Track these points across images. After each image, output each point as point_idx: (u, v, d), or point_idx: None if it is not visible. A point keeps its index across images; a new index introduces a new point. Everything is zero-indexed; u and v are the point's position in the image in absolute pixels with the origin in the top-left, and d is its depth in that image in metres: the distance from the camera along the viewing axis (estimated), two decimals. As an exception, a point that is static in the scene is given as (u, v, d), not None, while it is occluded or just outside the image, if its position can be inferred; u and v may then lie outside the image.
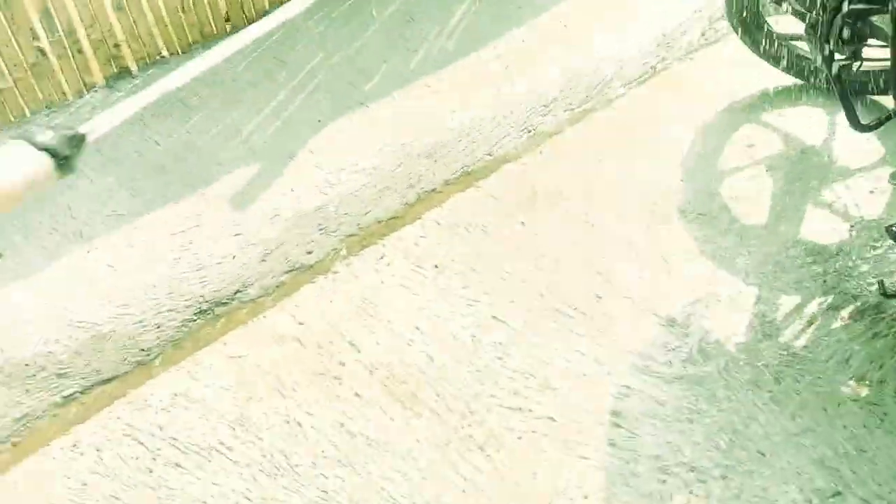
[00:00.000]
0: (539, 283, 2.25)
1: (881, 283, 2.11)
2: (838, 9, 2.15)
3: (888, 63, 2.07)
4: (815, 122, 2.67)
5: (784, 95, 2.78)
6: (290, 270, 2.35)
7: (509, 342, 2.10)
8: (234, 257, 2.37)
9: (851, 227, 2.32)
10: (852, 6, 2.10)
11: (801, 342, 2.06)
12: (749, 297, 2.18)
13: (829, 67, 2.23)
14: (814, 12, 2.24)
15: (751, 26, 2.66)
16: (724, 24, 2.90)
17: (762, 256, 2.28)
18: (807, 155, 2.56)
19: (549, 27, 3.18)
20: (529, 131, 2.79)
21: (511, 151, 2.71)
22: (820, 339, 2.06)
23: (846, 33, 2.16)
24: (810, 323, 2.10)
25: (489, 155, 2.69)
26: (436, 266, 2.32)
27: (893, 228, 2.00)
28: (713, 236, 2.35)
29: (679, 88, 2.91)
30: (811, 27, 2.27)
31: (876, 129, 2.24)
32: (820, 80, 2.66)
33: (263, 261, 2.36)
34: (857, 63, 2.23)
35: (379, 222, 2.48)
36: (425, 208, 2.51)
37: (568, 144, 2.73)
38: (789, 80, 2.79)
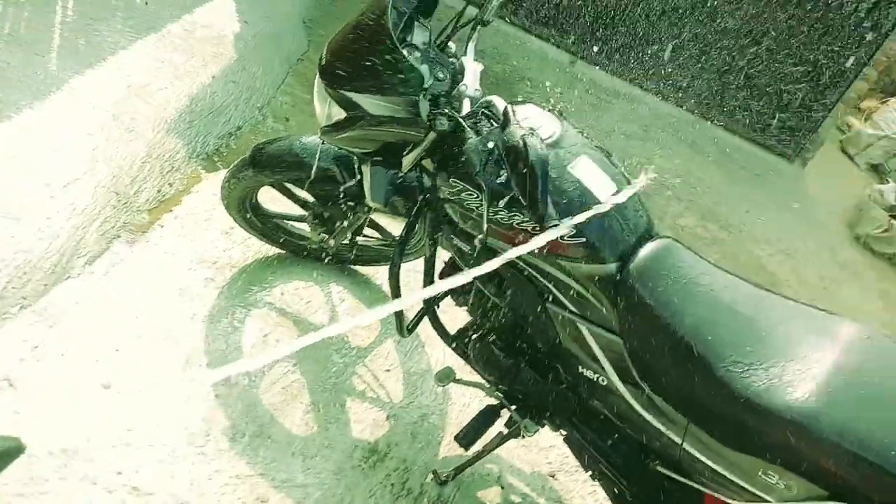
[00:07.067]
0: None
1: (435, 472, 2.33)
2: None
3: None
4: (314, 298, 2.70)
5: (273, 271, 2.72)
6: None
7: None
8: None
9: (388, 417, 2.46)
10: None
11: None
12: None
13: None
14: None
15: (247, 209, 2.52)
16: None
17: (331, 473, 2.22)
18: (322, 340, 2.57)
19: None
20: None
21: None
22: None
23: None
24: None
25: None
26: None
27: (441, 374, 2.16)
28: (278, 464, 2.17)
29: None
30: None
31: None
32: (313, 254, 2.71)
33: None
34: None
35: None
36: None
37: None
38: (272, 252, 2.76)
